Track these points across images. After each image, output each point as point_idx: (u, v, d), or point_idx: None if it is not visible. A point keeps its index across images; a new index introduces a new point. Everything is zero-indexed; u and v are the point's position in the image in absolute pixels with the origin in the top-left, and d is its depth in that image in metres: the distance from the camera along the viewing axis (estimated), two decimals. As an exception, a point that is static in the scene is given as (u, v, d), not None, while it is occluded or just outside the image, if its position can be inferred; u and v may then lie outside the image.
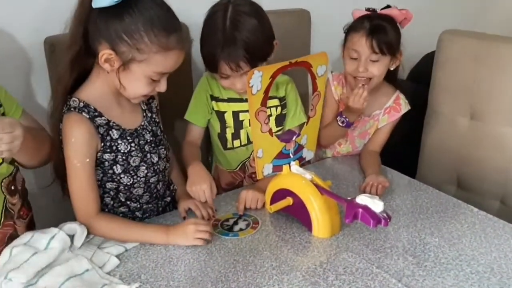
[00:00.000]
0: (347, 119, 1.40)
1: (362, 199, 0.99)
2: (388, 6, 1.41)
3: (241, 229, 1.12)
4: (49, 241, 0.99)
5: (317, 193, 1.08)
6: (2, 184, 1.04)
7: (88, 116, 1.05)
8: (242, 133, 1.32)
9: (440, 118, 1.64)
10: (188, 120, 1.33)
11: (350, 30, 1.42)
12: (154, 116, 1.21)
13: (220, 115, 1.32)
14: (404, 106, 1.48)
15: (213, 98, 1.31)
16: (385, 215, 0.97)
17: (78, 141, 1.04)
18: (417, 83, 2.04)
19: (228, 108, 1.30)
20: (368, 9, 1.41)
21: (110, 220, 1.10)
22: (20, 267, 0.94)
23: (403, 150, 1.90)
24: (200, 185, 1.12)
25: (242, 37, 1.14)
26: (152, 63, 1.01)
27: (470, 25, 1.71)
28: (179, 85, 1.49)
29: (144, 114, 1.18)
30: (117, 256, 1.02)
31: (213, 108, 1.31)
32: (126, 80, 1.04)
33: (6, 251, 0.98)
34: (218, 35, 1.15)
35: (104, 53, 1.00)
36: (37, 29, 1.31)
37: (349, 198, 1.02)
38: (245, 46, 1.14)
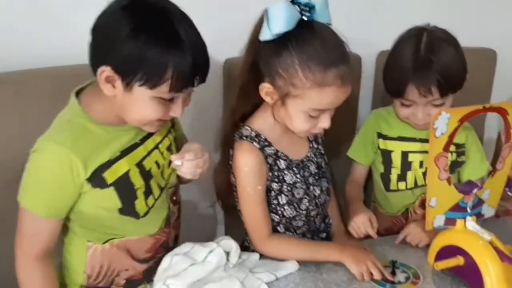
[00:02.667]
0: None
1: (558, 278, 0.83)
2: None
3: (400, 282, 1.02)
4: (207, 254, 1.01)
5: (496, 258, 0.94)
6: (168, 193, 1.09)
7: (258, 146, 1.06)
8: (410, 175, 1.22)
9: None
10: (351, 158, 1.28)
11: None
12: (319, 147, 1.19)
13: (386, 154, 1.24)
14: None
15: (381, 136, 1.24)
16: None
17: (251, 170, 1.05)
18: None
19: (397, 147, 1.22)
20: None
21: (282, 240, 1.10)
22: (178, 275, 0.98)
23: None
24: (359, 218, 1.09)
25: (438, 61, 1.07)
26: (307, 99, 0.97)
27: None
28: (342, 120, 1.46)
29: (311, 145, 1.17)
30: (267, 284, 1.00)
31: (378, 147, 1.24)
32: (286, 115, 1.02)
33: (167, 258, 1.02)
34: (411, 57, 1.10)
35: (264, 86, 1.00)
36: (218, 49, 1.37)
37: (538, 273, 0.87)
38: (440, 70, 1.07)
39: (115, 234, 1.02)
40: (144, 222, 1.02)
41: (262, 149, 1.07)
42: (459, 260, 0.98)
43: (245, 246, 1.17)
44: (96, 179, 0.94)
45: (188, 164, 0.98)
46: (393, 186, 1.25)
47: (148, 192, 1.02)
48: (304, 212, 1.12)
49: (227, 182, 1.13)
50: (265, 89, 1.01)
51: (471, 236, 0.99)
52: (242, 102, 1.10)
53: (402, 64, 1.10)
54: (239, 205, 1.11)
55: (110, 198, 0.96)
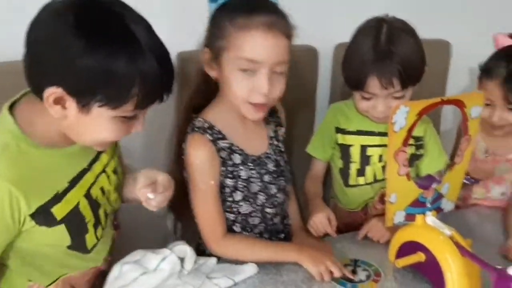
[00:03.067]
0: (472, 180, 1.26)
1: (518, 272, 0.82)
2: None
3: (361, 281, 1.00)
4: (159, 262, 0.95)
5: (456, 254, 0.92)
6: (111, 219, 1.01)
7: (211, 138, 1.02)
8: (369, 170, 1.19)
9: None
10: (310, 154, 1.25)
11: (484, 74, 1.26)
12: (280, 144, 1.15)
13: (345, 149, 1.21)
14: None
15: (339, 130, 1.21)
16: (546, 295, 0.80)
17: (203, 163, 1.01)
18: None
19: (356, 142, 1.19)
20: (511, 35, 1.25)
21: (238, 240, 1.07)
22: (130, 285, 0.91)
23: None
24: (317, 217, 1.07)
25: (398, 52, 1.04)
26: (234, 47, 0.94)
27: None
28: (300, 115, 1.44)
29: (271, 141, 1.12)
30: (225, 290, 0.96)
31: (337, 142, 1.21)
32: (223, 80, 0.98)
33: (117, 267, 0.95)
34: (372, 48, 1.06)
35: (205, 52, 0.99)
36: (171, 43, 1.32)
37: (498, 267, 0.86)
38: (401, 61, 1.04)
39: (59, 272, 0.92)
40: (91, 256, 0.94)
41: (214, 141, 1.02)
42: (420, 256, 0.96)
43: (201, 250, 1.12)
44: (42, 215, 0.82)
45: (159, 197, 0.90)
46: (352, 181, 1.22)
47: (97, 223, 0.93)
48: (260, 208, 1.08)
49: (179, 186, 1.05)
50: (205, 55, 0.99)
51: (431, 231, 0.97)
52: (197, 94, 1.06)
53: (363, 56, 1.07)
54: (192, 204, 1.05)
55: (59, 235, 0.86)
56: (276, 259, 1.02)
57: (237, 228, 1.09)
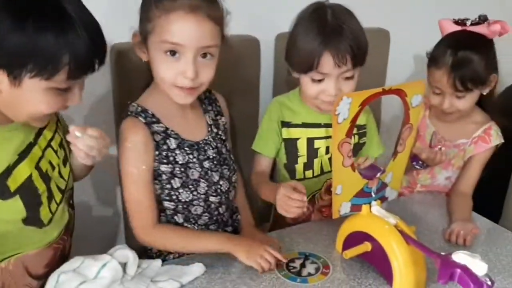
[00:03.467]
0: (424, 164, 1.27)
1: (460, 257, 0.84)
2: (481, 19, 1.26)
3: (310, 274, 0.99)
4: (99, 269, 0.90)
5: (402, 242, 0.93)
6: (66, 196, 1.00)
7: (144, 121, 0.99)
8: (316, 162, 1.18)
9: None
10: (256, 151, 1.21)
11: (431, 63, 1.28)
12: (220, 133, 1.12)
13: (291, 143, 1.19)
14: (495, 138, 1.32)
15: (284, 124, 1.19)
16: (487, 279, 0.82)
17: (134, 146, 0.98)
18: (502, 115, 1.86)
19: (302, 135, 1.18)
20: (457, 21, 1.28)
21: (169, 229, 1.03)
22: (67, 296, 0.86)
23: (487, 189, 1.72)
24: (281, 192, 1.00)
25: (348, 28, 1.04)
26: (158, 29, 0.93)
27: None
28: (244, 107, 1.41)
29: (210, 129, 1.10)
30: (171, 293, 0.92)
31: (282, 136, 1.19)
32: (152, 64, 0.98)
33: (53, 277, 0.89)
34: (322, 28, 1.04)
35: (135, 35, 0.98)
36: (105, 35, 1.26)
37: (443, 254, 0.87)
38: (352, 38, 1.04)
39: (13, 249, 0.91)
40: (47, 231, 0.94)
41: (148, 124, 0.99)
42: (366, 246, 0.97)
43: (147, 250, 1.07)
44: None
45: (88, 140, 0.88)
46: (299, 175, 1.21)
47: (50, 196, 0.92)
48: (203, 196, 1.05)
49: None
50: (135, 38, 0.98)
51: (376, 221, 0.98)
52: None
53: (313, 37, 1.05)
54: (122, 189, 1.01)
55: (14, 208, 0.87)
56: (209, 249, 0.99)
57: (179, 218, 1.06)
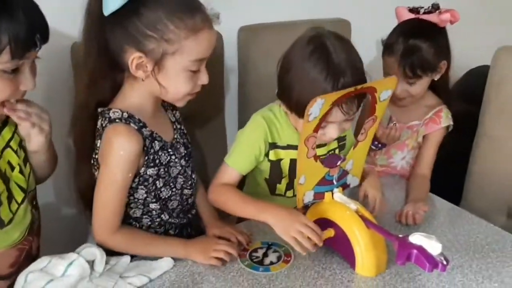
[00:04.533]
0: (379, 145, 1.33)
1: (417, 239, 0.88)
2: (434, 7, 1.32)
3: (271, 262, 1.02)
4: (66, 267, 0.90)
5: (362, 226, 0.97)
6: (29, 197, 1.00)
7: (136, 127, 0.97)
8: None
9: (491, 142, 1.51)
10: (230, 166, 1.10)
11: (385, 50, 1.35)
12: (182, 127, 1.13)
13: (276, 164, 1.12)
14: (444, 120, 1.38)
15: (271, 145, 1.10)
16: (442, 258, 0.86)
17: (128, 154, 0.95)
18: (461, 101, 1.92)
19: (286, 156, 1.11)
20: (411, 10, 1.33)
21: (129, 233, 1.03)
22: (35, 296, 0.86)
23: (446, 174, 1.78)
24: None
25: (356, 75, 0.97)
26: (186, 51, 0.92)
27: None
28: (209, 102, 1.41)
29: (174, 126, 1.10)
30: (141, 287, 0.93)
31: (268, 156, 1.11)
32: (166, 80, 0.95)
33: (21, 277, 0.90)
34: (329, 79, 0.94)
35: (133, 57, 0.91)
36: (63, 33, 1.24)
37: (401, 236, 0.91)
38: (358, 81, 0.96)
39: None
40: (8, 231, 0.93)
41: (139, 130, 0.97)
42: (330, 232, 1.00)
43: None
44: None
45: (25, 108, 0.92)
46: (279, 191, 1.17)
47: (10, 196, 0.92)
48: (179, 191, 1.07)
49: (92, 185, 1.02)
50: (135, 60, 0.91)
51: (338, 207, 1.01)
52: (95, 90, 0.99)
53: (320, 88, 0.94)
54: (96, 193, 0.99)
55: None
56: (165, 254, 1.00)
57: (165, 216, 1.08)
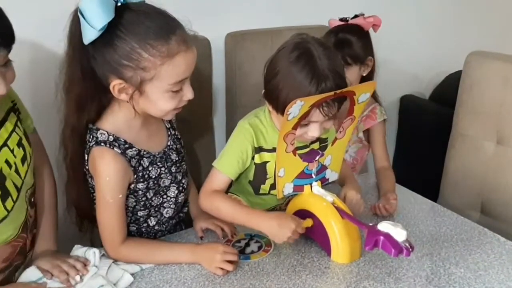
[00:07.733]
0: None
1: (384, 226, 0.95)
2: (356, 16, 1.49)
3: (252, 252, 1.09)
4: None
5: (337, 217, 1.04)
6: (26, 194, 1.02)
7: (119, 151, 1.01)
8: None
9: (465, 141, 1.59)
10: (219, 169, 1.13)
11: None
12: (176, 132, 1.19)
13: (261, 167, 1.15)
14: (379, 116, 1.51)
15: (257, 150, 1.14)
16: (407, 244, 0.93)
17: (113, 179, 1.00)
18: (440, 104, 2.01)
19: (271, 158, 1.14)
20: (341, 19, 1.49)
21: (136, 245, 1.07)
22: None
23: (425, 172, 1.86)
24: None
25: (338, 79, 1.01)
26: (163, 76, 0.94)
27: (495, 47, 1.67)
28: (198, 106, 1.47)
29: (169, 132, 1.16)
30: (132, 274, 1.00)
31: (253, 160, 1.15)
32: (148, 103, 0.99)
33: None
34: (313, 86, 0.99)
35: (114, 84, 0.96)
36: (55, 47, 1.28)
37: (371, 224, 0.99)
38: (340, 85, 1.01)
39: None
40: (2, 228, 0.95)
41: (124, 153, 1.02)
42: (308, 222, 1.07)
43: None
44: None
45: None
46: (263, 191, 1.21)
47: (5, 195, 0.95)
48: (173, 199, 1.13)
49: (84, 197, 1.08)
50: (117, 86, 0.96)
51: (316, 199, 1.09)
52: (82, 113, 1.02)
53: (304, 90, 0.99)
54: (96, 211, 1.05)
55: None
56: (173, 261, 1.05)
57: (152, 221, 1.14)
